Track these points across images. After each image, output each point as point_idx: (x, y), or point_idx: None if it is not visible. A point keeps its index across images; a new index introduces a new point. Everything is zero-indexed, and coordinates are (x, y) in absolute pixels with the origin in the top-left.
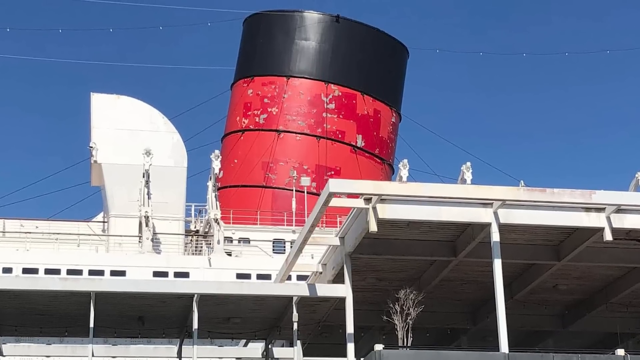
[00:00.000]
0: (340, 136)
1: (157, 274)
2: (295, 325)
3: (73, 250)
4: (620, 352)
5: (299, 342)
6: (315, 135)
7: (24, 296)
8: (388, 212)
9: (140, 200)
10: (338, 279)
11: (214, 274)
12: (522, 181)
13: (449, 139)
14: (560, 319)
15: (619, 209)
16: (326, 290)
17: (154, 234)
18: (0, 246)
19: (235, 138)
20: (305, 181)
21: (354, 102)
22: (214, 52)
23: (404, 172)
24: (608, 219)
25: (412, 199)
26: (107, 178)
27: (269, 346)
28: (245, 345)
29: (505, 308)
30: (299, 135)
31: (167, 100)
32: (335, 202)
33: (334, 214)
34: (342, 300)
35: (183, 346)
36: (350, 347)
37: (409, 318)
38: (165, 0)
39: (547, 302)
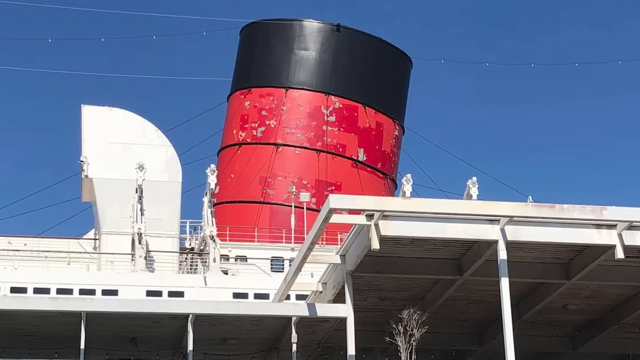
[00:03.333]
0: (341, 150)
1: (150, 293)
2: (294, 347)
3: (63, 268)
4: None
5: None
6: (315, 149)
7: (12, 316)
8: (391, 229)
9: (133, 217)
10: (339, 298)
11: (209, 293)
12: (530, 197)
13: (454, 153)
14: (570, 340)
15: (631, 226)
16: (326, 310)
17: (148, 251)
18: None
19: (232, 152)
20: (305, 197)
21: (356, 114)
22: (209, 62)
23: (407, 188)
24: (620, 236)
25: (415, 215)
26: (99, 193)
27: None
28: None
29: (513, 329)
30: (298, 149)
31: (161, 112)
32: (335, 219)
33: (335, 231)
34: (343, 320)
35: None
36: None
37: (412, 339)
38: (159, 9)
39: (556, 322)
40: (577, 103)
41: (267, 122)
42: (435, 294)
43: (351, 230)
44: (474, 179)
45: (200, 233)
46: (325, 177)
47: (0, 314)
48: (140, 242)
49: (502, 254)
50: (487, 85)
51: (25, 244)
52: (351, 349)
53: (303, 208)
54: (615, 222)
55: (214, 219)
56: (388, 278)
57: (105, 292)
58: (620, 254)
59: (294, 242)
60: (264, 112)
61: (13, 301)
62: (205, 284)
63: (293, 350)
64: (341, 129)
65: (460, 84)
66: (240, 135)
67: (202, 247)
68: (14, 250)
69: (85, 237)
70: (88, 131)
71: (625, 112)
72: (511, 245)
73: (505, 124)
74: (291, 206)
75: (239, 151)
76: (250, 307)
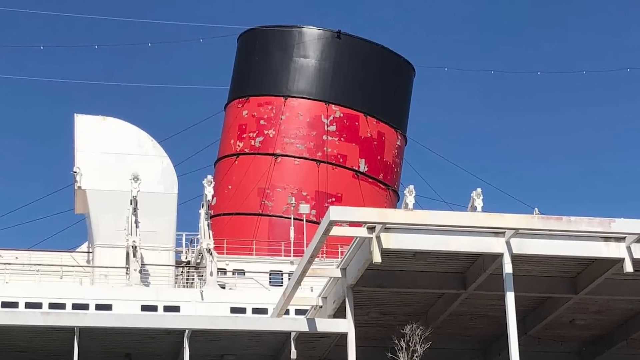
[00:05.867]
0: (341, 160)
1: (145, 308)
2: None
3: (55, 282)
4: None
5: None
6: (315, 160)
7: (3, 332)
8: (393, 241)
9: (128, 229)
10: (339, 313)
11: (206, 308)
12: (536, 209)
13: (458, 164)
14: (577, 356)
15: None
16: (327, 325)
17: (142, 265)
18: None
19: (230, 162)
20: (304, 208)
21: (357, 123)
22: (206, 70)
23: (410, 199)
24: (629, 249)
25: (418, 227)
26: (92, 205)
27: None
28: None
29: (519, 344)
30: (298, 159)
31: (156, 122)
32: (336, 231)
33: (335, 244)
34: (343, 336)
35: None
36: None
37: (415, 355)
38: (155, 16)
39: (563, 338)
40: (584, 112)
41: (266, 132)
42: (439, 309)
43: (352, 243)
44: (479, 190)
45: (197, 246)
46: (325, 189)
47: None
48: (135, 256)
49: (508, 268)
50: (492, 94)
51: (17, 257)
52: None
53: (303, 220)
54: (624, 235)
55: (210, 232)
56: (390, 292)
57: (99, 307)
58: (629, 267)
59: (293, 255)
60: (262, 122)
61: (4, 316)
62: (202, 299)
63: None
64: (342, 139)
65: (465, 93)
66: (238, 145)
67: (198, 261)
68: (4, 264)
69: (78, 250)
70: (81, 141)
71: (634, 122)
72: (517, 259)
73: (510, 134)
74: (290, 218)
75: (236, 162)
76: (248, 322)
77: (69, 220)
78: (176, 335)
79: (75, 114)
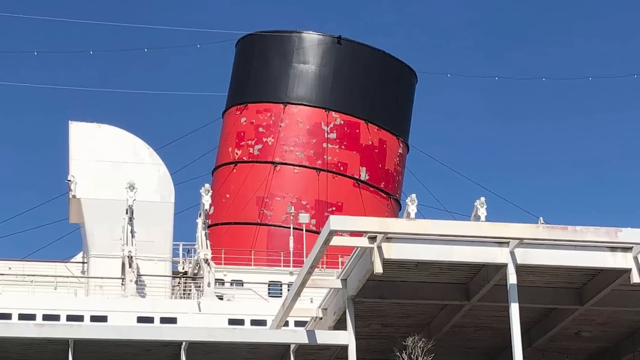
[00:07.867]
0: (342, 169)
1: (141, 319)
2: None
3: (49, 293)
4: None
5: None
6: (315, 168)
7: None
8: (394, 251)
9: (123, 239)
10: (340, 324)
11: (203, 319)
12: (541, 218)
13: (461, 172)
14: None
15: None
16: (327, 337)
17: (138, 275)
18: None
19: (228, 171)
20: (304, 218)
21: (357, 131)
22: (204, 76)
23: (412, 208)
24: (635, 259)
25: (420, 237)
26: (87, 214)
27: None
28: None
29: (523, 357)
30: (297, 167)
31: (152, 129)
32: (336, 241)
33: (336, 254)
34: (344, 348)
35: None
36: None
37: None
38: (151, 21)
39: (569, 350)
40: (590, 119)
41: (265, 140)
42: (442, 320)
43: (353, 253)
44: (482, 199)
45: (194, 256)
46: (325, 198)
47: None
48: (130, 266)
49: (512, 278)
50: (495, 101)
51: (10, 268)
52: None
53: (302, 230)
54: (631, 245)
55: (208, 242)
56: (392, 303)
57: (94, 319)
58: (636, 278)
59: (293, 266)
60: (261, 129)
61: None
62: (199, 310)
63: None
64: (342, 147)
65: (468, 99)
66: (236, 153)
67: (195, 271)
68: None
69: (72, 260)
70: (76, 149)
71: None
72: (521, 269)
73: (514, 141)
74: (290, 228)
75: (234, 170)
76: (247, 334)
77: (64, 230)
78: (173, 347)
79: (69, 121)
